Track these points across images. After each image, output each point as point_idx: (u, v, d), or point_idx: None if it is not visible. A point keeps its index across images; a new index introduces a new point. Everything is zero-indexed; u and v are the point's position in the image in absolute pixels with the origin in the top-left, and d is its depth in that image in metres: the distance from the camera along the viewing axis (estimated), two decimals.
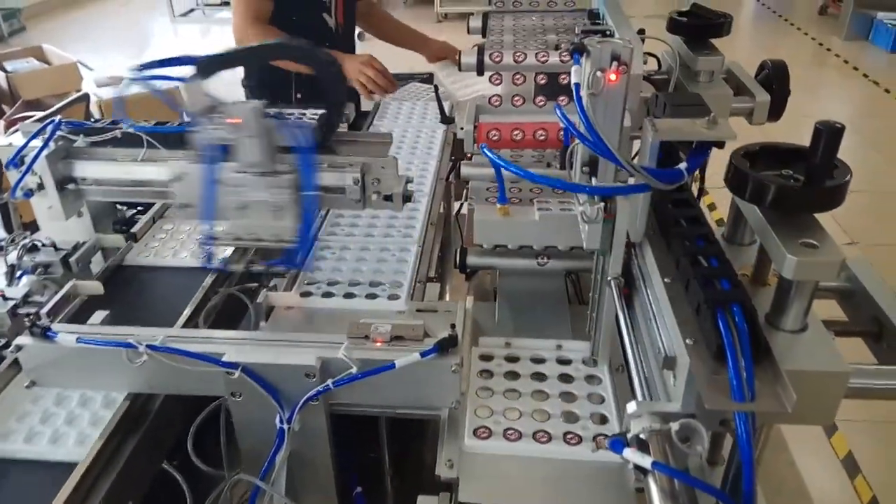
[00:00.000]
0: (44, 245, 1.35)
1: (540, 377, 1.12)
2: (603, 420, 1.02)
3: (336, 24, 2.30)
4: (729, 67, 1.52)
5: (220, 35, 8.02)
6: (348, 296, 1.25)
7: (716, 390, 0.67)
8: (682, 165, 0.80)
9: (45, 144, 1.21)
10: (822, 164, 0.76)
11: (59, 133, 1.25)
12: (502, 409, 1.05)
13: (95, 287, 1.27)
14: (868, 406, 2.72)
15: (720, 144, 0.81)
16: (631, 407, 0.73)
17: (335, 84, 1.17)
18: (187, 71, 1.09)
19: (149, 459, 1.05)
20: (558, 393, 1.08)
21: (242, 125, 1.07)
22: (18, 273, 1.34)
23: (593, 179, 0.92)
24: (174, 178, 1.15)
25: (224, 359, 0.93)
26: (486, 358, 1.16)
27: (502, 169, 1.08)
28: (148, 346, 0.93)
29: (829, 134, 0.75)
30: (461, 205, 1.83)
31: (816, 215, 0.79)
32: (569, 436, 1.00)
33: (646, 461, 0.66)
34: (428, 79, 2.46)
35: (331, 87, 1.17)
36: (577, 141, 0.88)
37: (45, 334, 0.98)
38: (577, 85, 0.82)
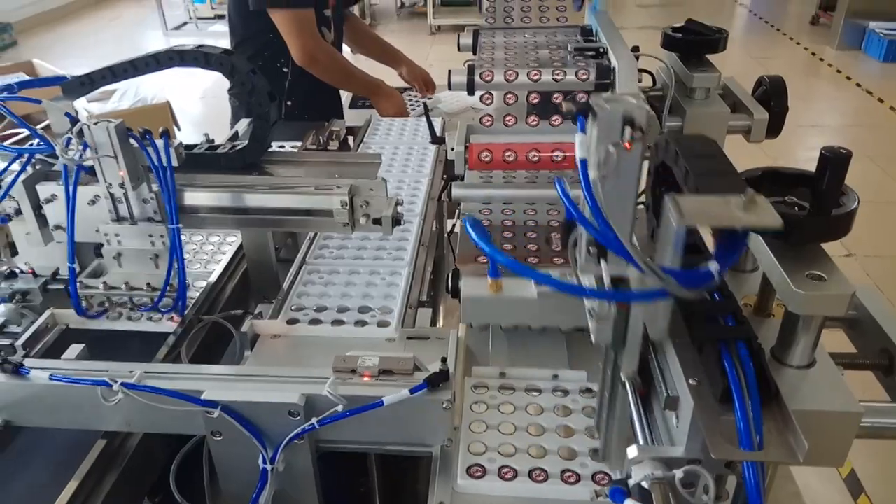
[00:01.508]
0: (22, 272, 1.31)
1: (536, 410, 1.07)
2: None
3: (333, 37, 2.29)
4: (726, 83, 1.49)
5: None
6: (336, 323, 1.21)
7: (722, 437, 0.63)
8: (714, 266, 0.59)
9: (23, 168, 1.17)
10: (828, 191, 0.72)
11: (37, 156, 1.20)
12: (497, 444, 1.00)
13: (74, 317, 1.22)
14: None
15: (763, 232, 0.70)
16: (632, 452, 0.69)
17: (259, 96, 1.13)
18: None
19: (128, 499, 1.00)
20: (555, 427, 1.04)
21: (104, 145, 1.05)
22: None
23: (602, 262, 0.75)
24: (46, 199, 1.16)
25: (203, 397, 0.88)
26: (480, 388, 1.12)
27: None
28: (123, 384, 0.89)
29: (835, 160, 0.71)
30: (454, 224, 1.79)
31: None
32: (566, 474, 0.95)
33: None
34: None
35: (255, 99, 1.13)
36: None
37: (18, 371, 0.93)
38: (584, 161, 0.69)
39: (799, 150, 5.27)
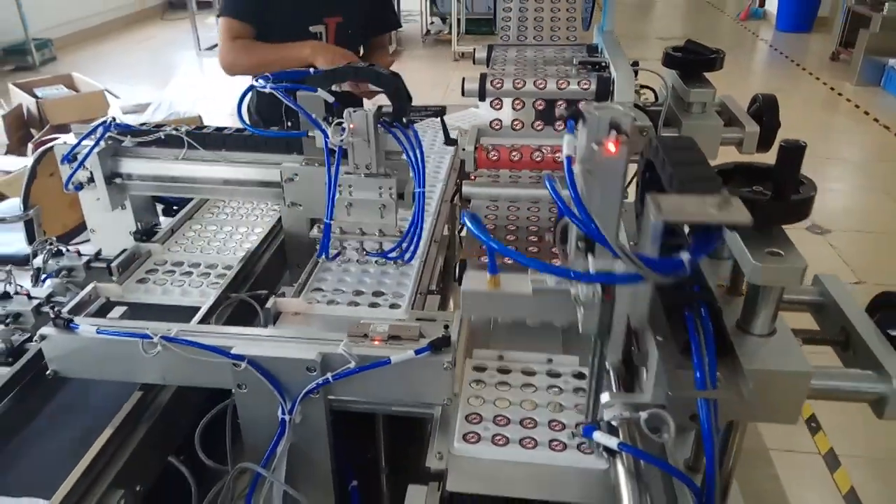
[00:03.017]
0: (68, 251, 1.44)
1: (530, 388, 1.16)
2: None
3: None
4: (723, 100, 1.60)
5: None
6: (352, 304, 1.32)
7: (680, 380, 0.73)
8: (685, 256, 0.67)
9: (97, 143, 1.33)
10: (786, 179, 0.82)
11: (108, 133, 1.37)
12: (491, 416, 1.09)
13: (115, 290, 1.35)
14: (869, 441, 2.74)
15: (735, 228, 0.79)
16: (605, 398, 0.78)
17: (402, 103, 1.29)
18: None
19: (157, 449, 1.11)
20: (546, 403, 1.12)
21: (357, 130, 1.21)
22: (43, 276, 1.43)
23: (590, 257, 0.83)
24: (286, 179, 1.38)
25: (232, 351, 1.00)
26: (480, 369, 1.21)
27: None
28: (162, 338, 1.00)
29: (792, 151, 0.81)
30: (463, 225, 1.90)
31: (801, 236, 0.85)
32: (554, 443, 1.03)
33: (612, 442, 0.71)
34: (440, 111, 2.57)
35: (398, 106, 1.28)
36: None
37: (68, 326, 1.05)
38: (569, 158, 0.79)
39: (818, 181, 5.32)
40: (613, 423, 0.74)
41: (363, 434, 1.19)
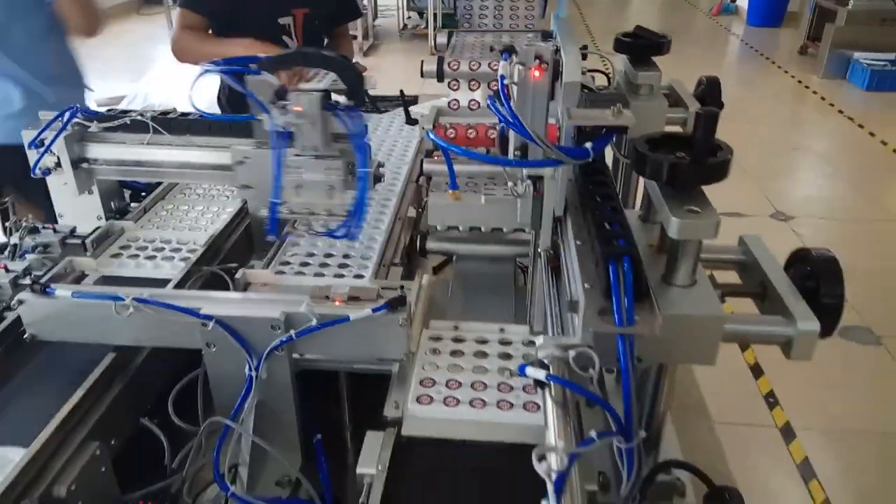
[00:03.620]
0: (44, 227, 1.50)
1: (482, 356, 1.23)
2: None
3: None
4: (671, 84, 1.69)
5: None
6: (318, 275, 1.39)
7: (603, 320, 0.81)
8: (588, 145, 0.94)
9: (63, 127, 1.37)
10: (702, 143, 0.91)
11: (75, 119, 1.42)
12: (444, 380, 1.15)
13: (89, 263, 1.41)
14: (824, 416, 2.88)
15: (623, 129, 0.96)
16: (538, 340, 0.87)
17: (355, 83, 1.35)
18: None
19: (130, 408, 1.17)
20: (496, 368, 1.19)
21: (304, 113, 1.26)
22: (20, 252, 1.48)
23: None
24: (237, 161, 1.40)
25: (201, 312, 1.06)
26: (436, 339, 1.28)
27: (454, 163, 1.24)
28: (134, 299, 1.07)
29: (706, 117, 0.90)
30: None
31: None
32: (502, 403, 1.11)
33: (541, 374, 0.79)
34: (411, 101, 2.64)
35: (352, 86, 1.35)
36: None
37: (45, 291, 1.11)
38: (503, 76, 0.99)
39: (784, 171, 5.49)
40: (545, 360, 0.83)
41: (328, 396, 1.27)
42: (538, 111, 1.02)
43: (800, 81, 7.82)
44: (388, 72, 2.17)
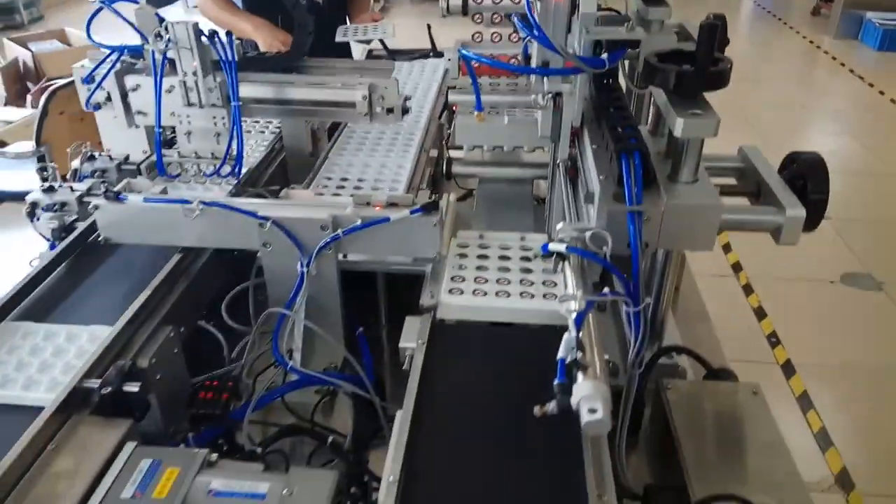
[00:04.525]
0: (101, 155, 1.64)
1: (505, 259, 1.37)
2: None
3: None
4: (682, 24, 1.79)
5: None
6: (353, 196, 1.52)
7: (615, 203, 0.95)
8: (605, 56, 1.07)
9: (114, 65, 1.49)
10: (704, 53, 1.03)
11: (122, 57, 1.53)
12: (472, 277, 1.29)
13: (146, 184, 1.54)
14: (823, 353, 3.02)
15: (635, 44, 1.08)
16: (559, 225, 1.00)
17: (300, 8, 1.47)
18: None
19: (192, 305, 1.32)
20: (519, 268, 1.33)
21: (183, 40, 1.37)
22: (80, 177, 1.62)
23: (545, 80, 1.18)
24: (132, 88, 1.48)
25: (259, 213, 1.20)
26: (463, 246, 1.42)
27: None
28: (201, 202, 1.21)
29: (707, 30, 1.02)
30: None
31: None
32: (523, 294, 1.25)
33: (562, 247, 0.93)
34: (437, 55, 2.75)
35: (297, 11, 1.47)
36: (534, 44, 1.15)
37: (117, 197, 1.25)
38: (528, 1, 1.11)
39: (794, 128, 5.56)
40: (565, 239, 0.96)
41: (367, 300, 1.41)
42: (559, 28, 1.14)
43: (812, 42, 7.81)
44: (399, 34, 2.25)
